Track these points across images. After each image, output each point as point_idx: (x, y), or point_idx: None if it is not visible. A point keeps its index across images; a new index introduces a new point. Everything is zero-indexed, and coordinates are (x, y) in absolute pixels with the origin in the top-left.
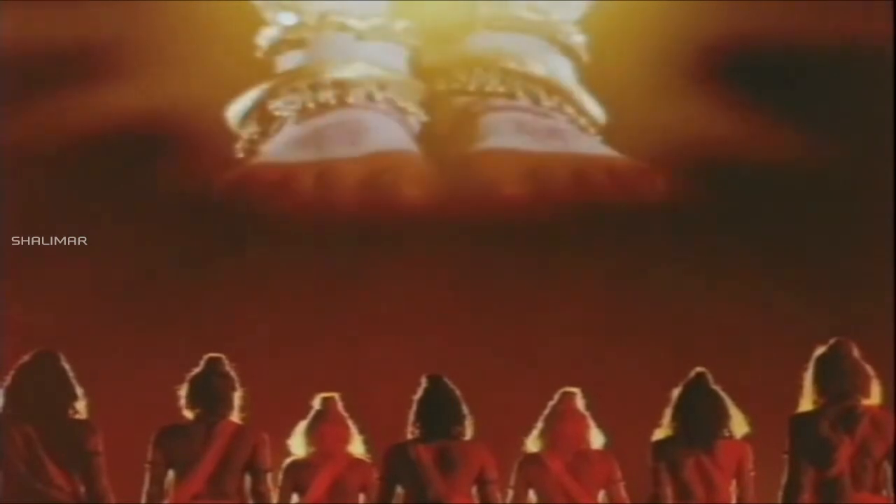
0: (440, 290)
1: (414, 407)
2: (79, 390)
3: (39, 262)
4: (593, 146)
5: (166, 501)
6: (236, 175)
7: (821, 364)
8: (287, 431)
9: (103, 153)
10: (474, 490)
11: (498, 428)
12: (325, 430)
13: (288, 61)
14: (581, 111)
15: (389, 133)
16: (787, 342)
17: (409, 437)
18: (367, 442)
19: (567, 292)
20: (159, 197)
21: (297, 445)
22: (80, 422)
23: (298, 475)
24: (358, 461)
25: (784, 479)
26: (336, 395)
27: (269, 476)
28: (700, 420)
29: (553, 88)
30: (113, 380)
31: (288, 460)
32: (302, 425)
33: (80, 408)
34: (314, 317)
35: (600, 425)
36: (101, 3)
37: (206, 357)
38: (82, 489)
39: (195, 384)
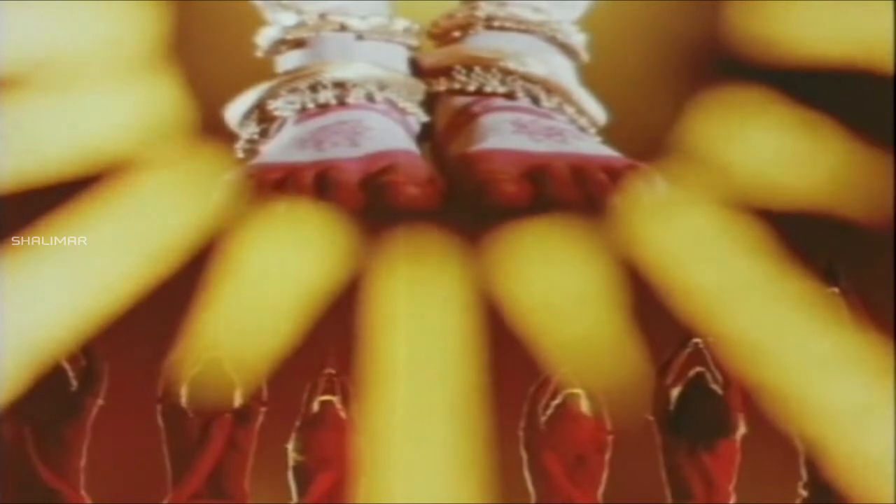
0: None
1: None
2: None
3: None
4: (593, 146)
5: (165, 501)
6: (236, 175)
7: None
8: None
9: None
10: None
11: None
12: (323, 436)
13: (288, 61)
14: (581, 111)
15: (389, 133)
16: None
17: None
18: None
19: None
20: None
21: (296, 449)
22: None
23: (298, 479)
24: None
25: None
26: (335, 399)
27: None
28: (700, 420)
29: (553, 88)
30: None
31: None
32: (301, 428)
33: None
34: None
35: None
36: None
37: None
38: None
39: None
